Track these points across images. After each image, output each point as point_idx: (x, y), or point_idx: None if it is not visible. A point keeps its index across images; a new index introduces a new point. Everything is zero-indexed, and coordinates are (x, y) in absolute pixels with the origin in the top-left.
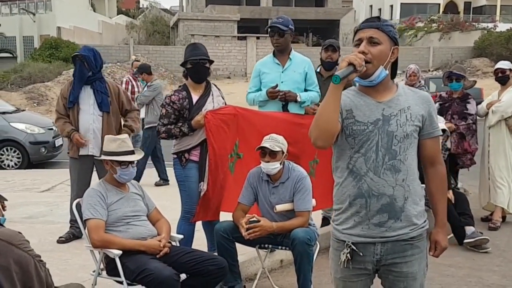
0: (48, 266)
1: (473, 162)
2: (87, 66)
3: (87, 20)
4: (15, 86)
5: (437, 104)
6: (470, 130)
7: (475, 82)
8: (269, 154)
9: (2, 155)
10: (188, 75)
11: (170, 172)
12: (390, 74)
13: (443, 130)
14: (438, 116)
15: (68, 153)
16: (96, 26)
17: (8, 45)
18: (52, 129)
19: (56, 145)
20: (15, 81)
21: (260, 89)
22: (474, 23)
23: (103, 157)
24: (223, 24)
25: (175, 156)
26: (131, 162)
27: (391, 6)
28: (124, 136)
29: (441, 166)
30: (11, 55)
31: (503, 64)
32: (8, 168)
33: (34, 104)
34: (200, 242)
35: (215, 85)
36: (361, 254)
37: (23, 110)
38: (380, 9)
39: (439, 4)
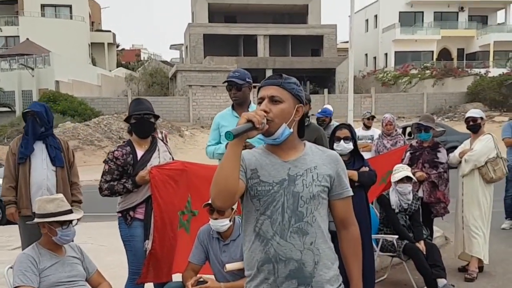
0: None
1: (446, 211)
2: (39, 122)
3: (86, 74)
4: (11, 140)
5: (408, 153)
6: (442, 179)
7: (444, 131)
8: (217, 211)
9: None
10: (132, 130)
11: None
12: (297, 133)
13: (410, 178)
14: (403, 165)
15: (19, 212)
16: (96, 79)
17: (7, 100)
18: None
19: None
20: (11, 135)
21: (219, 142)
22: (467, 69)
23: (36, 220)
24: (221, 75)
25: (120, 214)
26: (71, 221)
27: (386, 54)
28: (60, 195)
29: (354, 227)
30: (9, 109)
31: (474, 113)
32: None
33: None
34: None
35: (162, 141)
36: None
37: (2, 166)
38: (375, 57)
39: (433, 52)
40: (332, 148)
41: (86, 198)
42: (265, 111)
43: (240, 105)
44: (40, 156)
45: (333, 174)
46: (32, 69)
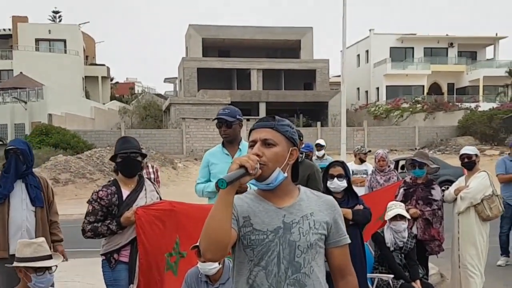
0: None
1: (441, 249)
2: (22, 160)
3: (79, 107)
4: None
5: (401, 190)
6: (436, 216)
7: (438, 168)
8: None
9: None
10: (118, 169)
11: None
12: (291, 177)
13: (402, 216)
14: (396, 203)
15: None
16: (89, 112)
17: None
18: None
19: None
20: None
21: (209, 180)
22: (457, 104)
23: (15, 263)
24: (214, 108)
25: (104, 257)
26: (49, 268)
27: (377, 88)
28: (41, 239)
29: (352, 277)
30: (1, 143)
31: (469, 150)
32: None
33: None
34: None
35: (150, 180)
36: None
37: None
38: (367, 91)
39: (423, 86)
40: (325, 186)
41: (76, 232)
42: (257, 155)
43: (230, 142)
44: (19, 196)
45: (330, 220)
46: (25, 102)
